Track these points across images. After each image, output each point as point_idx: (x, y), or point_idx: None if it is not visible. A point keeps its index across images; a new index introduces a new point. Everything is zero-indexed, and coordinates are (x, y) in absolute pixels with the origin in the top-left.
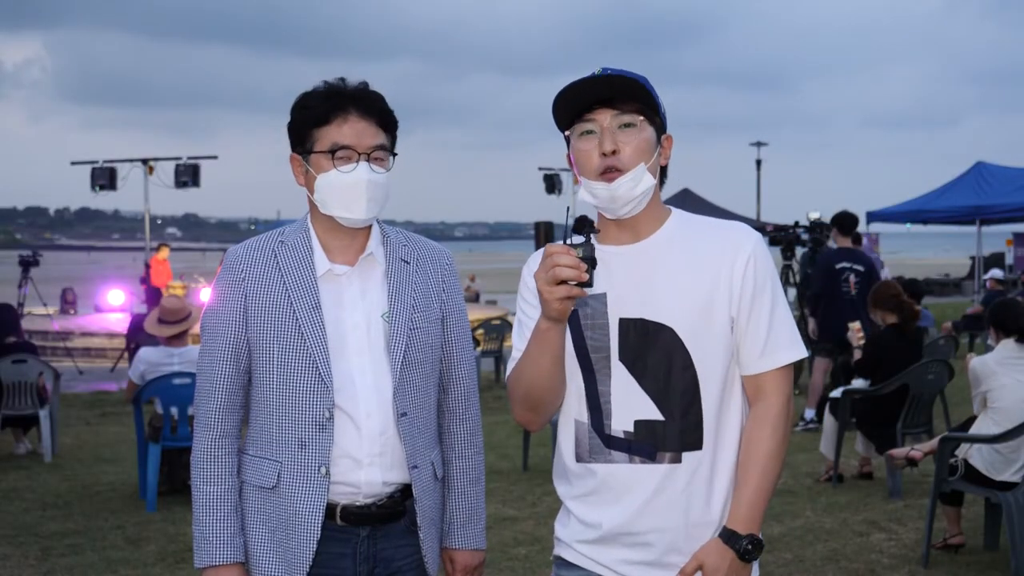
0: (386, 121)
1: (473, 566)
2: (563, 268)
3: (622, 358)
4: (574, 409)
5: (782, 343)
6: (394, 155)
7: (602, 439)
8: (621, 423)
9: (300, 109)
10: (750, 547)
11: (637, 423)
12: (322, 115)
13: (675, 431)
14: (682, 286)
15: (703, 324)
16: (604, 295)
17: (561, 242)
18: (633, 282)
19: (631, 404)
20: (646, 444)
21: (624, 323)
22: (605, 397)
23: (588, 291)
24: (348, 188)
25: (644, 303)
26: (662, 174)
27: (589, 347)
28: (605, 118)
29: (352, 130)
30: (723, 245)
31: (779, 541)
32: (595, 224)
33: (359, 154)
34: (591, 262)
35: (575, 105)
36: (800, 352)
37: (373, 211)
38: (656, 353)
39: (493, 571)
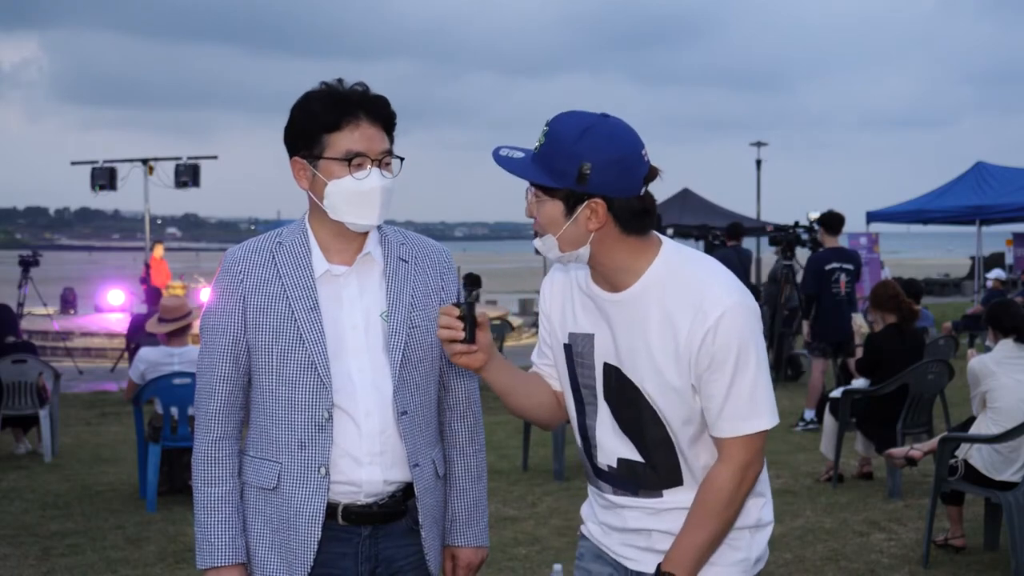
0: (390, 125)
1: (476, 564)
2: (441, 329)
3: (606, 398)
4: (574, 430)
5: (738, 415)
6: (401, 160)
7: (593, 469)
8: (607, 458)
9: (305, 113)
10: None
11: (620, 461)
12: (333, 121)
13: (653, 475)
14: (649, 349)
15: (667, 388)
16: (592, 336)
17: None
18: (612, 331)
19: (614, 442)
20: (628, 481)
21: (607, 368)
22: (592, 431)
23: (473, 347)
24: (363, 195)
25: (620, 355)
26: (639, 220)
27: (580, 383)
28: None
29: (364, 136)
30: (688, 311)
31: (779, 541)
32: (480, 280)
33: (371, 160)
34: (469, 320)
35: None
36: (758, 426)
37: (384, 216)
38: (630, 406)
39: (493, 571)
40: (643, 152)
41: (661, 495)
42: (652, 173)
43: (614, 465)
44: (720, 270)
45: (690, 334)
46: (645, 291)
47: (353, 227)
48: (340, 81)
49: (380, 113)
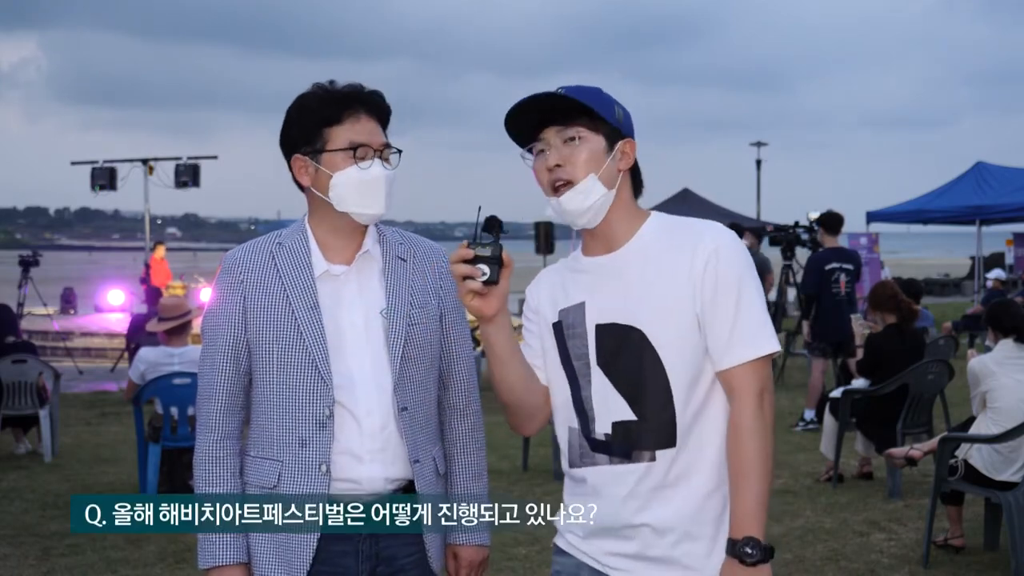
0: (386, 119)
1: (477, 562)
2: (458, 266)
3: (599, 363)
4: (565, 416)
5: (746, 338)
6: (399, 152)
7: (589, 443)
8: (602, 426)
9: (304, 110)
10: (748, 550)
11: (614, 425)
12: (334, 114)
13: (647, 430)
14: (651, 291)
15: (670, 325)
16: (583, 304)
17: (469, 241)
18: (609, 292)
19: (609, 407)
20: (622, 444)
21: (600, 328)
22: (588, 402)
23: (489, 288)
24: (368, 184)
25: (618, 309)
26: (635, 179)
27: (572, 355)
28: (551, 135)
29: (365, 128)
30: (686, 245)
31: (779, 541)
32: (503, 224)
33: (374, 151)
34: (494, 260)
35: (525, 126)
36: (767, 347)
37: (389, 205)
38: (627, 354)
39: (493, 571)
40: None
41: (654, 458)
42: None
43: (609, 432)
44: (709, 221)
45: (692, 263)
46: (644, 245)
47: (359, 218)
48: (332, 82)
49: (377, 107)
